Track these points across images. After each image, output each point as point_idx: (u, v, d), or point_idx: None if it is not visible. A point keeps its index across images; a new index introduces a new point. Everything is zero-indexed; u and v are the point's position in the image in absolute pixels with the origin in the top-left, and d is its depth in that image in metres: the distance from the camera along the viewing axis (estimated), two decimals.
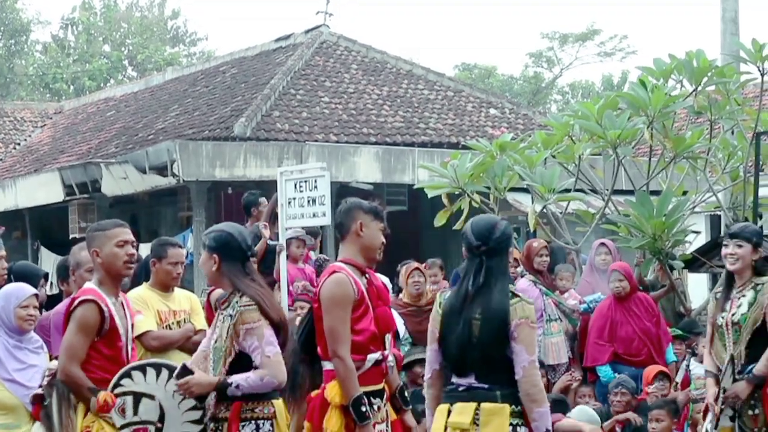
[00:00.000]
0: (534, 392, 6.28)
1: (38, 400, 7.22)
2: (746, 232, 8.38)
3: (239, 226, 6.67)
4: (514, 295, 6.37)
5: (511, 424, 6.27)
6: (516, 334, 6.26)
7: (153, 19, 60.52)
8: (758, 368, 8.03)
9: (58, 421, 6.92)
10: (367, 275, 7.17)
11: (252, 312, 6.51)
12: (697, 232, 15.09)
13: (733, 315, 8.19)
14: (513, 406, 6.29)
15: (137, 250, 7.19)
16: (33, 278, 9.78)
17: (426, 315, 11.43)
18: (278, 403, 6.69)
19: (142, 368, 6.81)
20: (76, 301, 6.94)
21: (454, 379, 6.52)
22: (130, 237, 7.12)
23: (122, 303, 7.13)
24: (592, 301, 11.58)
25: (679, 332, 11.80)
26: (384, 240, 7.26)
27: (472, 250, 6.48)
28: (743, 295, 8.21)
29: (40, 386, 7.29)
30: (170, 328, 8.39)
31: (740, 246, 8.26)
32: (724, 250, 8.43)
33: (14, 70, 55.88)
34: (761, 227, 14.49)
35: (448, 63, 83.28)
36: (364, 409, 6.85)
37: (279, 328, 6.67)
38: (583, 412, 9.93)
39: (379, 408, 7.11)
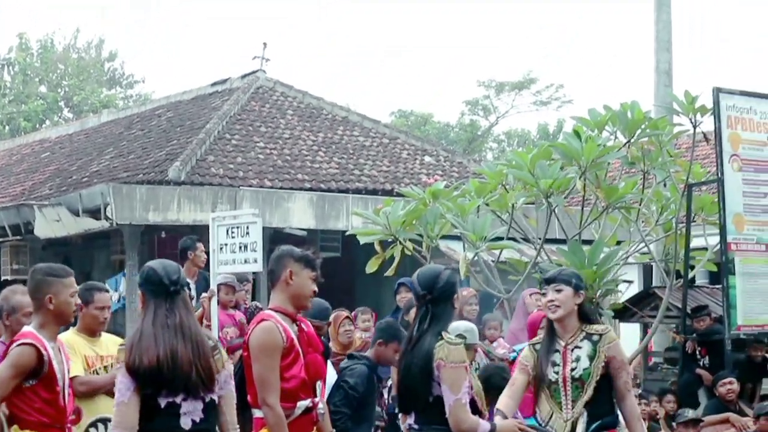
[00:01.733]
0: (462, 429, 6.51)
1: None
2: (564, 275, 7.63)
3: (167, 261, 6.49)
4: (441, 337, 6.57)
5: None
6: (438, 375, 6.50)
7: (90, 60, 60.25)
8: None
9: None
10: (297, 322, 7.13)
11: (120, 353, 6.18)
12: (630, 282, 15.19)
13: (572, 371, 7.42)
14: None
15: None
16: None
17: None
18: None
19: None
20: (15, 344, 6.89)
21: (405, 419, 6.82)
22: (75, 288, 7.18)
23: (59, 348, 7.06)
24: (521, 349, 11.53)
25: None
26: (315, 288, 7.22)
27: (418, 298, 6.76)
28: (578, 347, 7.49)
29: None
30: (97, 374, 8.27)
31: (559, 290, 7.49)
32: (543, 299, 7.69)
33: None
34: (693, 277, 14.67)
35: (385, 110, 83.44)
36: None
37: (138, 372, 6.00)
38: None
39: None
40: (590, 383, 7.37)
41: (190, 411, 6.07)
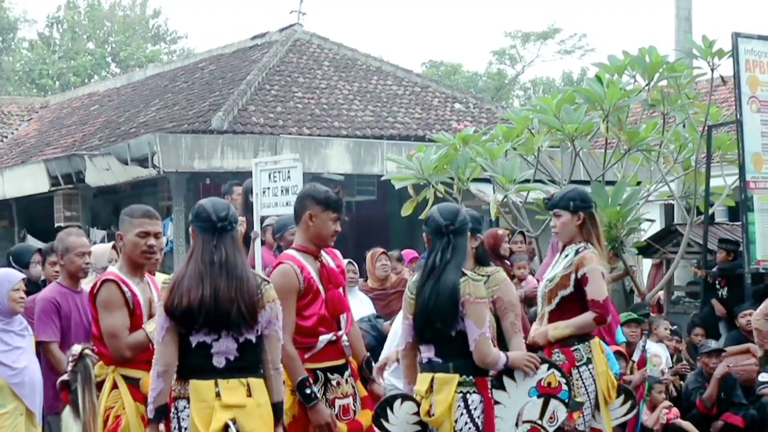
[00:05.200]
0: (487, 362, 6.56)
1: (65, 387, 7.15)
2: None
3: (217, 199, 6.42)
4: (463, 273, 6.57)
5: (460, 392, 6.53)
6: (464, 310, 6.48)
7: (135, 18, 60.26)
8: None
9: (82, 405, 6.88)
10: (319, 259, 7.16)
11: (163, 290, 6.14)
12: (652, 221, 15.13)
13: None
14: (464, 376, 6.56)
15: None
16: (26, 254, 10.11)
17: (391, 298, 11.50)
18: (195, 383, 6.03)
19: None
20: (98, 283, 6.81)
21: (421, 351, 6.77)
22: (154, 228, 6.94)
23: (148, 283, 6.95)
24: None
25: (634, 316, 11.82)
26: (338, 228, 7.21)
27: (440, 230, 6.69)
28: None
29: (65, 372, 7.20)
30: None
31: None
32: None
33: (2, 66, 55.60)
34: (713, 214, 14.63)
35: (416, 60, 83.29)
36: (308, 391, 6.83)
37: (175, 313, 5.99)
38: None
39: (339, 383, 7.12)
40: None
41: (223, 351, 6.02)
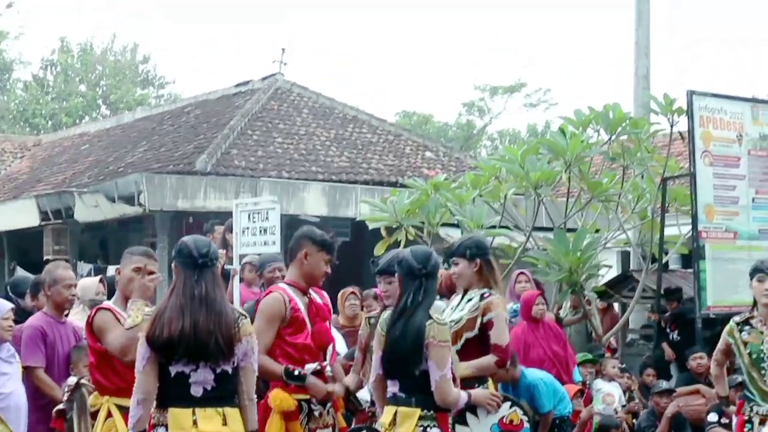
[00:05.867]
0: (448, 402, 6.51)
1: (61, 415, 7.14)
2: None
3: (199, 236, 6.45)
4: (430, 317, 6.52)
5: (421, 425, 6.49)
6: (428, 352, 6.43)
7: (125, 63, 60.14)
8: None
9: None
10: (308, 295, 7.24)
11: (143, 322, 6.21)
12: (609, 266, 15.18)
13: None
14: (426, 411, 6.50)
15: (104, 272, 7.12)
16: (23, 285, 10.17)
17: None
18: (174, 411, 5.99)
19: None
20: (93, 313, 6.94)
21: (388, 385, 6.74)
22: (150, 267, 7.03)
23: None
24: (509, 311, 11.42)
25: (589, 356, 11.84)
26: (328, 270, 7.33)
27: (413, 273, 6.63)
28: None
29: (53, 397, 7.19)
30: None
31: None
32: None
33: None
34: (667, 262, 14.68)
35: (390, 110, 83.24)
36: (297, 372, 6.99)
37: (156, 343, 5.95)
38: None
39: (321, 414, 7.20)
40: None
41: (200, 381, 5.99)
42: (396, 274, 6.90)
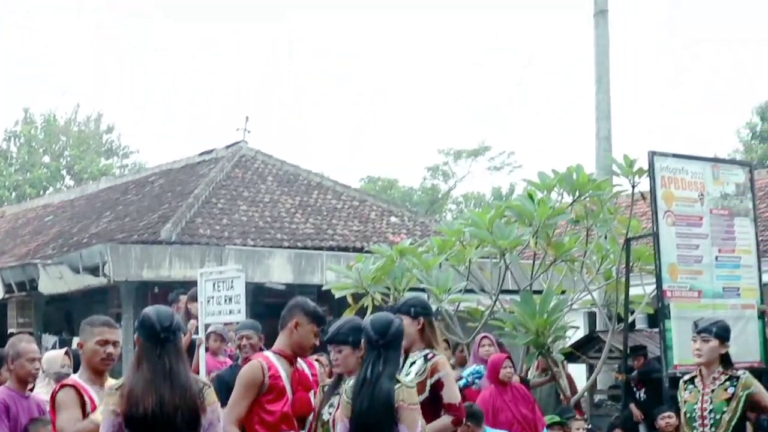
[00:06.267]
0: None
1: None
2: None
3: (162, 307, 6.40)
4: (398, 381, 6.52)
5: None
6: (399, 415, 6.41)
7: (89, 133, 60.15)
8: None
9: None
10: (294, 364, 7.23)
11: (109, 396, 6.00)
12: (576, 327, 15.18)
13: None
14: None
15: (69, 345, 7.05)
16: None
17: None
18: None
19: None
20: (57, 388, 6.79)
21: None
22: (113, 337, 6.92)
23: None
24: (469, 374, 11.40)
25: (557, 419, 11.82)
26: (316, 342, 7.33)
27: (371, 342, 6.61)
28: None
29: None
30: None
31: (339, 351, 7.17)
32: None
33: None
34: (633, 322, 14.70)
35: (354, 176, 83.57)
36: None
37: (132, 421, 5.85)
38: None
39: None
40: None
41: None
42: (344, 342, 6.90)
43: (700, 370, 8.38)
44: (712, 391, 8.19)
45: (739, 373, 8.24)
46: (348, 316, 13.22)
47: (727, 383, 8.16)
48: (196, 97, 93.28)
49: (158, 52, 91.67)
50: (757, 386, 8.17)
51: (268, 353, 7.28)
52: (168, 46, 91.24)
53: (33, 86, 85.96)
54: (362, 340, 6.79)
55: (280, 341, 7.31)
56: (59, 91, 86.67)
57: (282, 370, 7.15)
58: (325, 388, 7.32)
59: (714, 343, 8.22)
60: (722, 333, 8.29)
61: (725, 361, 8.27)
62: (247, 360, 9.94)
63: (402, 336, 6.79)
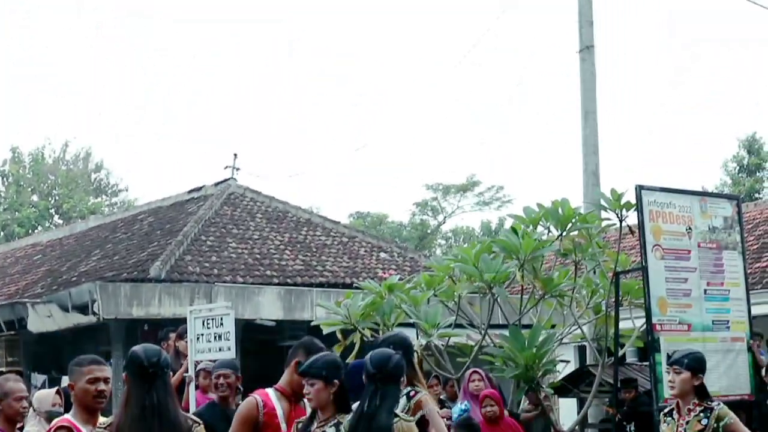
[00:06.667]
0: None
1: None
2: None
3: (150, 345, 6.41)
4: (397, 415, 6.53)
5: None
6: None
7: (78, 171, 60.22)
8: None
9: None
10: (293, 402, 7.27)
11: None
12: (567, 361, 15.20)
13: None
14: None
15: (59, 383, 7.03)
16: None
17: None
18: None
19: None
20: (52, 429, 6.72)
21: None
22: (103, 374, 6.83)
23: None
24: (458, 411, 11.39)
25: None
26: None
27: (369, 376, 6.64)
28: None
29: None
30: None
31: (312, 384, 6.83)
32: None
33: None
34: (623, 355, 14.70)
35: (344, 212, 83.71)
36: None
37: None
38: None
39: None
40: None
41: None
42: (317, 376, 6.86)
43: (677, 402, 8.39)
44: (687, 422, 8.20)
45: (714, 404, 8.24)
46: (336, 352, 13.27)
47: (702, 414, 8.16)
48: (186, 134, 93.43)
49: (158, 52, 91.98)
50: (731, 417, 8.15)
51: (268, 390, 7.30)
52: (167, 46, 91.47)
53: (20, 124, 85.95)
54: (337, 378, 6.77)
55: (283, 379, 7.36)
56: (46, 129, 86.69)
57: (279, 407, 7.18)
58: (300, 425, 7.32)
59: (685, 375, 8.24)
60: (694, 364, 8.30)
61: (700, 392, 8.27)
62: (222, 398, 10.00)
63: (402, 371, 6.80)
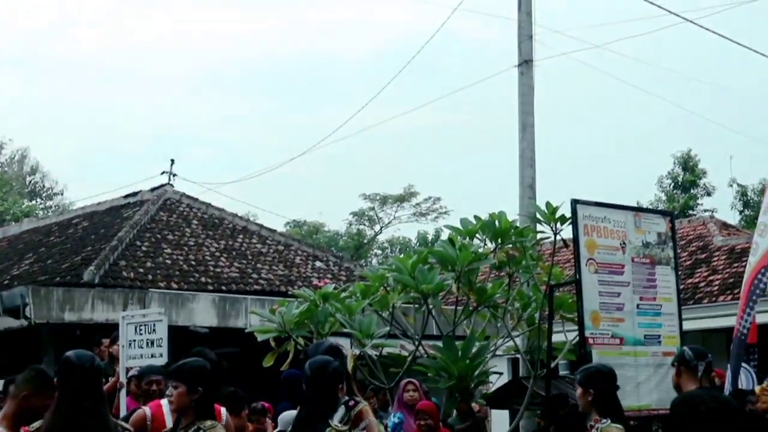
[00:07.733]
0: None
1: None
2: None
3: (82, 350, 6.33)
4: (329, 425, 6.61)
5: None
6: None
7: (12, 174, 59.62)
8: None
9: None
10: None
11: None
12: (500, 373, 15.22)
13: None
14: None
15: None
16: None
17: None
18: None
19: None
20: None
21: None
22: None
23: None
24: (392, 423, 11.37)
25: None
26: None
27: (307, 383, 6.74)
28: None
29: None
30: None
31: (175, 387, 6.86)
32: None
33: None
34: (556, 368, 14.76)
35: (280, 220, 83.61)
36: None
37: None
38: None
39: None
40: None
41: None
42: (181, 380, 6.77)
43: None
44: None
45: (602, 421, 8.07)
46: (269, 360, 13.21)
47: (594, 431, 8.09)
48: (123, 138, 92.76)
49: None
50: None
51: (163, 401, 7.26)
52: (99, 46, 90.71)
53: None
54: (201, 386, 6.66)
55: None
56: None
57: (170, 419, 7.10)
58: None
59: (578, 390, 8.21)
60: (585, 380, 8.23)
61: (600, 408, 8.12)
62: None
63: (341, 378, 6.86)
